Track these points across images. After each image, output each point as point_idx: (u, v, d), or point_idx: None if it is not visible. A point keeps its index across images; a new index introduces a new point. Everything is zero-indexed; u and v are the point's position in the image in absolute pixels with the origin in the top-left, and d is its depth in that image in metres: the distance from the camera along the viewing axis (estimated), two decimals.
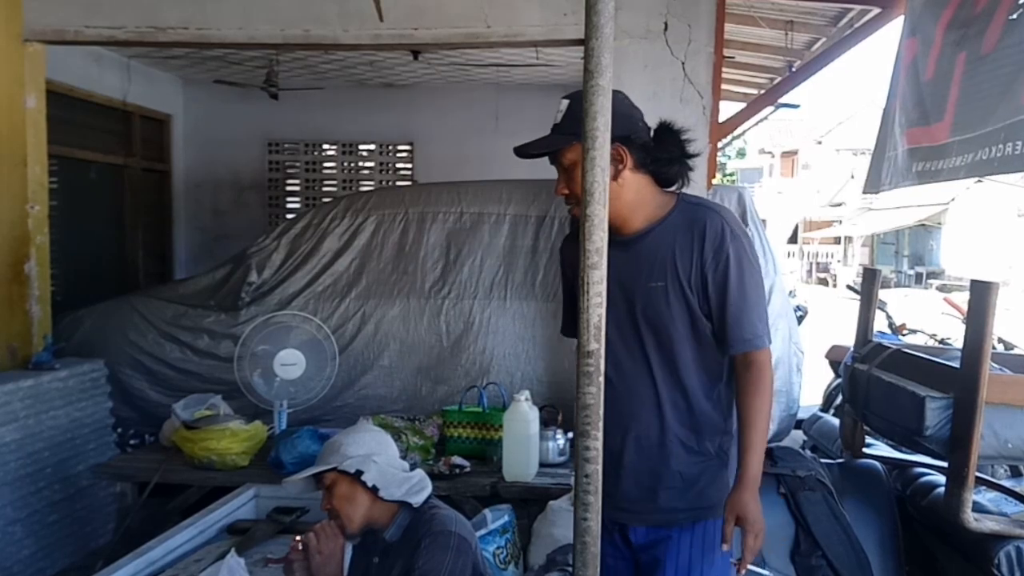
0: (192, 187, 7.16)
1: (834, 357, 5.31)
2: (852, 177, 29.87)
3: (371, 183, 7.33)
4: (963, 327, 2.51)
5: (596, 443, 1.27)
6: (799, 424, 4.31)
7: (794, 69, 5.91)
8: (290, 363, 3.78)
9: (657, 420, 1.89)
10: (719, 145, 4.63)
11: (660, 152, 1.87)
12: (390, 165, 7.40)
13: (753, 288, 1.84)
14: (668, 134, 1.90)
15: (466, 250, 4.35)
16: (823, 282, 30.29)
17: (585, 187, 1.23)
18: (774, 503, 2.63)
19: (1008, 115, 2.15)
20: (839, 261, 31.65)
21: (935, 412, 2.37)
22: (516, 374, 4.17)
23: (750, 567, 1.81)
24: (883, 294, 4.15)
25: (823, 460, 2.96)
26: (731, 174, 36.87)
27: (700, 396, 1.89)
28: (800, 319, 6.11)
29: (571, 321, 2.02)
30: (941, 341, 5.40)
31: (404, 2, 4.02)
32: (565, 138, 1.81)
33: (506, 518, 2.98)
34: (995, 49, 2.29)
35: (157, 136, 6.82)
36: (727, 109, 6.05)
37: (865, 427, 3.08)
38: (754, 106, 5.48)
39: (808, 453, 3.14)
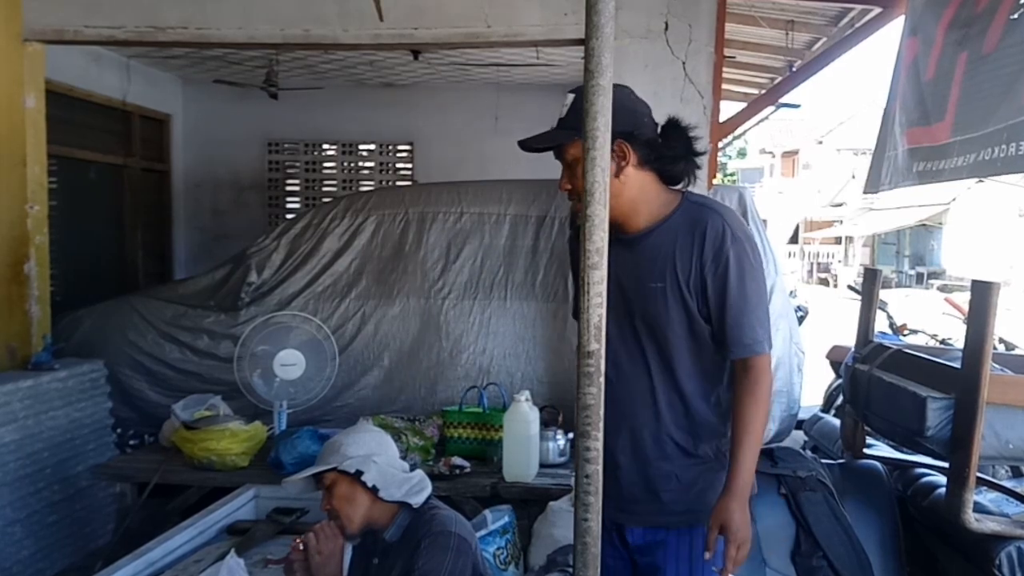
0: (192, 187, 7.16)
1: (835, 357, 5.30)
2: (853, 177, 29.86)
3: (371, 183, 7.32)
4: (964, 327, 2.50)
5: (596, 443, 1.26)
6: (800, 424, 4.31)
7: (795, 69, 5.91)
8: (290, 363, 3.78)
9: (653, 421, 1.88)
10: (720, 145, 4.63)
11: (665, 149, 1.84)
12: (390, 165, 7.40)
13: (754, 292, 1.81)
14: (675, 131, 1.87)
15: (466, 250, 4.35)
16: (824, 282, 30.29)
17: (586, 187, 1.22)
18: (775, 503, 2.63)
19: (1010, 115, 2.15)
20: (840, 261, 31.65)
21: (936, 413, 2.36)
22: (516, 374, 4.17)
23: None
24: (884, 294, 4.14)
25: (824, 460, 2.95)
26: (732, 174, 36.88)
27: (698, 399, 1.87)
28: (801, 319, 6.10)
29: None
30: (942, 341, 5.39)
31: (404, 2, 4.02)
32: (568, 133, 1.78)
33: (506, 519, 2.97)
34: (996, 49, 2.29)
35: (157, 136, 6.81)
36: (728, 109, 6.06)
37: (866, 427, 3.07)
38: (755, 106, 5.48)
39: (809, 454, 3.13)
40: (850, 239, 31.54)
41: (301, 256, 4.42)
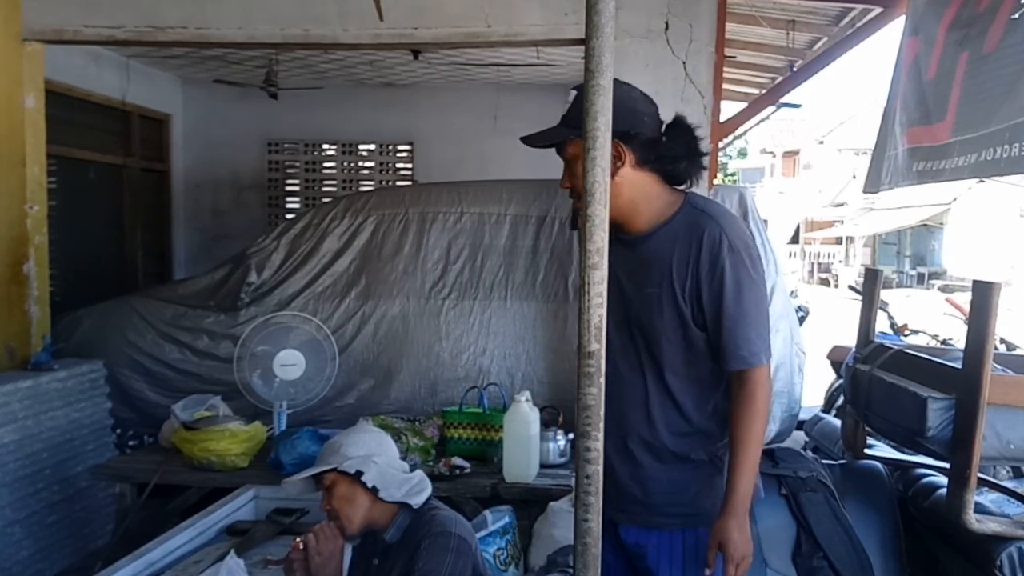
0: (191, 187, 7.15)
1: (836, 358, 5.29)
2: (854, 177, 29.85)
3: (371, 183, 7.32)
4: (965, 328, 2.50)
5: (597, 444, 1.26)
6: (800, 425, 4.30)
7: (795, 69, 5.91)
8: (290, 364, 3.77)
9: (646, 423, 1.86)
10: (720, 145, 4.63)
11: (666, 149, 1.82)
12: (390, 165, 7.39)
13: (751, 303, 1.77)
14: (678, 130, 1.85)
15: (466, 250, 4.34)
16: (825, 282, 30.28)
17: (586, 187, 1.22)
18: (775, 504, 2.62)
19: (1012, 115, 2.14)
20: (841, 261, 31.64)
21: (937, 413, 2.36)
22: (516, 375, 4.17)
23: None
24: (885, 294, 4.13)
25: (824, 461, 2.95)
26: (732, 174, 36.87)
27: (690, 405, 1.85)
28: (802, 319, 6.09)
29: None
30: (943, 342, 5.39)
31: (404, 2, 4.01)
32: (567, 131, 1.77)
33: (506, 519, 2.97)
34: (997, 49, 2.28)
35: (156, 136, 6.81)
36: (728, 109, 6.05)
37: (867, 428, 3.06)
38: (755, 106, 5.47)
39: (809, 454, 3.13)
40: (851, 239, 31.54)
41: (301, 256, 4.41)
